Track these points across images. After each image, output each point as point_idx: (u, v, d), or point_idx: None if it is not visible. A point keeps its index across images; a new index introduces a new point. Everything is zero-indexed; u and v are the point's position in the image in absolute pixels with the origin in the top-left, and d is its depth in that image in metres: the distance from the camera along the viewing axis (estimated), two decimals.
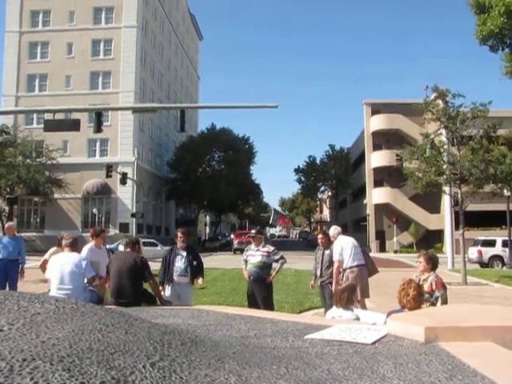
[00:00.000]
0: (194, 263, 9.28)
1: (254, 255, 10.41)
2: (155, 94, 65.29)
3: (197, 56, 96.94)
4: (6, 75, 58.58)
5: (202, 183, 62.80)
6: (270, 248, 10.61)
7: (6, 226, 14.38)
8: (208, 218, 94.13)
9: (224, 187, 62.45)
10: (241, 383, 2.19)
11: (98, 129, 23.60)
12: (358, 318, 6.23)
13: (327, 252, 10.68)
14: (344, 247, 10.18)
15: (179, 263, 9.20)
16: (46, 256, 10.01)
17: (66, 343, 2.08)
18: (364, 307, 9.37)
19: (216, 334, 3.82)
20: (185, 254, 9.29)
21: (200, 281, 9.33)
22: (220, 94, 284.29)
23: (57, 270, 7.35)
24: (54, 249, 10.25)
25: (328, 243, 10.66)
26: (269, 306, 10.01)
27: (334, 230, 10.75)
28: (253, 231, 11.42)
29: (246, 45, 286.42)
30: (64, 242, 7.85)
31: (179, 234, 9.52)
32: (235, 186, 64.04)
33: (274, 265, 10.53)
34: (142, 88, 60.05)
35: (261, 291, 10.26)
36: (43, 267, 9.83)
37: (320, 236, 10.98)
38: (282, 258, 10.52)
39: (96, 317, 2.64)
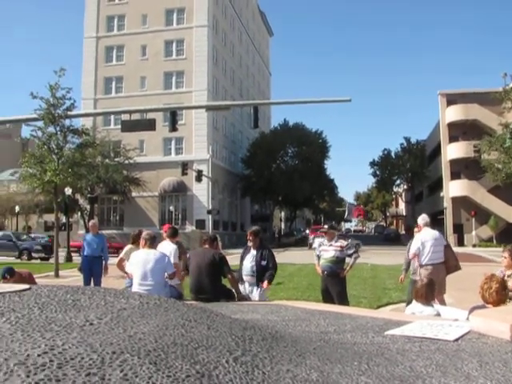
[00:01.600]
0: (263, 263, 9.01)
1: (327, 250, 10.30)
2: (228, 91, 65.86)
3: (267, 52, 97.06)
4: (85, 79, 60.55)
5: (276, 179, 62.86)
6: (343, 242, 10.44)
7: (90, 223, 14.97)
8: (283, 213, 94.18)
9: (298, 182, 62.27)
10: (322, 379, 2.18)
11: (173, 128, 24.00)
12: (438, 314, 6.08)
13: None
14: (424, 243, 9.94)
15: (247, 262, 9.09)
16: (122, 255, 10.26)
17: (151, 338, 2.14)
18: (443, 303, 9.13)
19: (295, 330, 3.82)
20: (255, 253, 9.12)
21: (264, 285, 8.91)
22: (291, 89, 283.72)
23: (138, 266, 7.54)
24: (129, 247, 10.46)
25: None
26: (343, 300, 9.89)
27: (421, 219, 10.48)
28: (325, 226, 11.32)
29: (316, 40, 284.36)
30: (144, 239, 8.02)
31: (248, 234, 9.35)
32: (309, 181, 63.74)
33: (348, 259, 10.41)
34: (214, 86, 60.70)
35: (335, 286, 10.16)
36: (120, 265, 10.13)
37: (416, 230, 10.73)
38: (355, 252, 10.40)
39: (179, 312, 2.70)
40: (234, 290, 8.56)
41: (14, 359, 1.75)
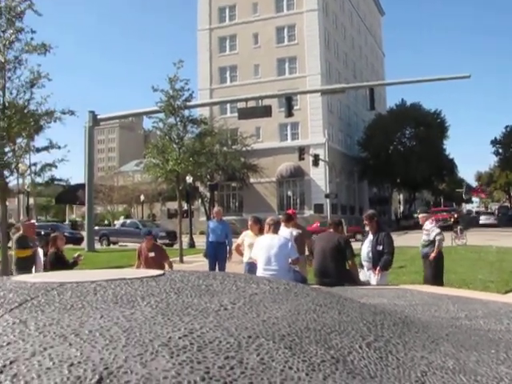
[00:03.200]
0: (378, 248, 8.72)
1: (422, 234, 10.56)
2: (341, 74, 65.12)
3: (380, 32, 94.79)
4: (201, 70, 62.11)
5: (393, 161, 61.53)
6: (428, 225, 10.49)
7: (215, 210, 15.44)
8: (402, 195, 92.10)
9: (416, 164, 60.56)
10: (459, 367, 2.10)
11: (289, 113, 24.13)
12: None
13: None
14: None
15: (364, 247, 8.93)
16: (239, 240, 10.46)
17: (284, 322, 2.15)
18: None
19: (425, 315, 3.71)
20: (371, 238, 8.91)
21: (376, 271, 8.58)
22: (406, 68, 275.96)
23: (263, 251, 7.64)
24: (246, 232, 10.64)
25: None
26: (436, 283, 9.64)
27: None
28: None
29: (428, 17, 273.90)
30: (268, 224, 8.11)
31: (364, 218, 9.24)
32: (428, 162, 61.78)
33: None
34: (327, 69, 60.21)
35: (426, 269, 10.31)
36: (238, 250, 10.41)
37: None
38: (438, 234, 10.25)
39: (309, 297, 2.70)
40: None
41: (158, 341, 1.83)
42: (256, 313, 2.23)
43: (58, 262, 9.55)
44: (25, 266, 10.29)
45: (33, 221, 14.55)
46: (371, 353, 2.05)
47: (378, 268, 8.64)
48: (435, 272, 10.15)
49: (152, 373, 1.63)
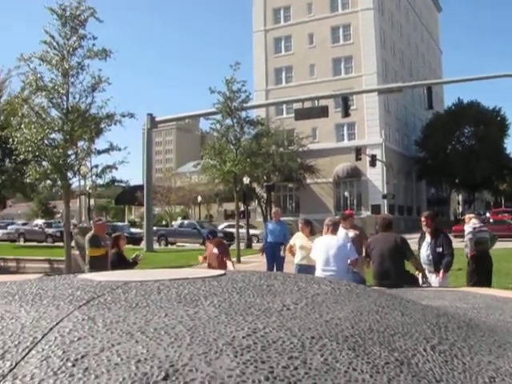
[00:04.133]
0: (438, 250, 8.56)
1: None
2: (398, 73, 64.24)
3: (437, 29, 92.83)
4: (256, 71, 62.39)
5: (452, 161, 60.26)
6: (466, 227, 10.53)
7: (273, 210, 15.59)
8: (461, 196, 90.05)
9: (475, 163, 59.14)
10: None
11: (346, 113, 24.00)
12: None
13: None
14: None
15: (423, 250, 8.76)
16: (291, 242, 10.54)
17: (347, 323, 2.13)
18: None
19: (489, 318, 3.61)
20: (429, 240, 8.74)
21: (441, 274, 8.39)
22: (464, 66, 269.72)
23: (322, 252, 7.62)
24: (297, 234, 10.62)
25: None
26: (474, 282, 9.51)
27: None
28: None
29: (488, 13, 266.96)
30: (327, 225, 8.09)
31: (422, 218, 9.04)
32: (488, 161, 60.20)
33: None
34: (384, 69, 59.51)
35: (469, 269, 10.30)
36: (290, 251, 10.47)
37: None
38: (468, 233, 10.31)
39: (371, 298, 2.67)
40: (419, 274, 8.35)
41: (222, 340, 1.84)
42: (319, 313, 2.23)
43: (120, 262, 9.77)
44: (98, 264, 10.63)
45: (101, 219, 15.03)
46: (436, 356, 2.01)
47: (441, 270, 8.47)
48: (473, 272, 10.08)
49: (217, 371, 1.64)
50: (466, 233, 10.42)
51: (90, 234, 11.52)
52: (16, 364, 1.74)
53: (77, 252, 20.11)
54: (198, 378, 1.62)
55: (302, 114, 26.23)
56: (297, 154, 52.77)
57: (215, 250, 9.96)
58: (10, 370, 1.70)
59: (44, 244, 41.99)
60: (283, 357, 1.75)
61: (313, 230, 10.59)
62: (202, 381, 1.60)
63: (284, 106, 57.73)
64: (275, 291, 2.56)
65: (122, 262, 9.82)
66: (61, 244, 36.57)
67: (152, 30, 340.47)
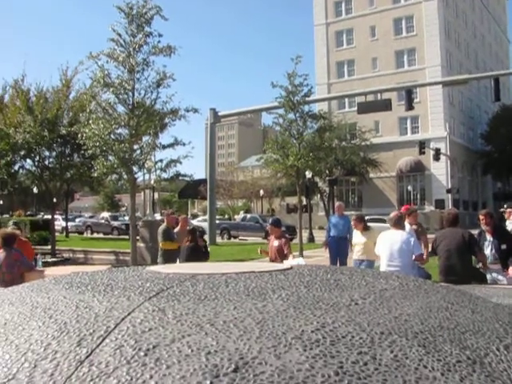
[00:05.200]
0: (503, 247, 8.27)
1: None
2: (463, 64, 62.59)
3: (505, 18, 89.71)
4: (318, 65, 62.05)
5: None
6: (508, 222, 10.10)
7: (336, 205, 15.52)
8: None
9: None
10: None
11: (410, 106, 23.59)
12: None
13: None
14: None
15: (486, 250, 8.39)
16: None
17: (416, 320, 2.10)
18: None
19: None
20: (490, 238, 8.45)
21: (510, 271, 8.06)
22: None
23: (386, 246, 7.53)
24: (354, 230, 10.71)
25: None
26: None
27: None
28: None
29: None
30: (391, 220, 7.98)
31: (480, 217, 8.74)
32: None
33: None
34: (448, 60, 58.09)
35: None
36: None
37: None
38: None
39: (439, 294, 2.61)
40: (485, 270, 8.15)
41: (291, 334, 1.84)
42: (387, 309, 2.20)
43: (194, 255, 9.90)
44: (171, 257, 10.92)
45: (173, 212, 15.43)
46: (510, 356, 1.96)
47: (510, 268, 8.13)
48: None
49: (286, 365, 1.64)
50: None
51: (163, 227, 11.83)
52: (92, 351, 1.79)
53: (142, 244, 20.57)
54: (267, 371, 1.62)
55: (364, 108, 25.94)
56: (359, 147, 52.29)
57: (276, 243, 9.95)
58: (87, 357, 1.76)
59: (110, 236, 43.14)
60: (352, 352, 1.74)
61: (366, 226, 10.54)
62: (272, 374, 1.61)
63: (346, 100, 57.22)
64: (343, 286, 2.54)
65: (196, 255, 9.99)
66: (126, 237, 37.52)
67: (215, 25, 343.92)
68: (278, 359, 1.67)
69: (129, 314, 2.04)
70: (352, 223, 10.81)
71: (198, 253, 10.33)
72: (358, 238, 10.42)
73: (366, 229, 10.42)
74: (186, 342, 1.78)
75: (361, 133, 53.41)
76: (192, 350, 1.73)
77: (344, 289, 2.46)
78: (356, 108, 29.10)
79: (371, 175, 55.12)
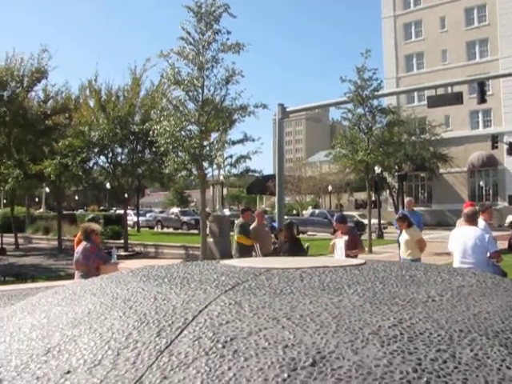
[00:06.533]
0: None
1: None
2: None
3: None
4: (386, 59, 61.01)
5: None
6: None
7: (407, 200, 15.33)
8: None
9: None
10: None
11: (482, 99, 22.84)
12: None
13: None
14: None
15: None
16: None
17: (496, 318, 2.05)
18: None
19: None
20: None
21: None
22: None
23: (459, 243, 7.36)
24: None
25: None
26: None
27: None
28: None
29: None
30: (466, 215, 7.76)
31: None
32: None
33: None
34: None
35: None
36: None
37: None
38: None
39: None
40: None
41: (368, 329, 1.84)
42: (465, 306, 2.16)
43: (292, 250, 9.93)
44: (245, 250, 11.08)
45: (249, 208, 15.76)
46: None
47: None
48: None
49: (363, 360, 1.64)
50: None
51: (240, 221, 12.04)
52: (171, 342, 1.85)
53: (211, 239, 20.83)
54: (344, 366, 1.63)
55: (434, 102, 25.23)
56: (429, 142, 51.15)
57: (344, 238, 9.84)
58: (166, 347, 1.81)
59: (179, 231, 43.87)
60: (431, 349, 1.72)
61: (410, 224, 10.40)
62: (349, 369, 1.61)
63: (415, 94, 55.98)
64: (418, 282, 2.51)
65: (296, 249, 10.03)
66: (195, 231, 38.10)
67: (282, 19, 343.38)
68: (355, 354, 1.67)
69: (206, 307, 2.08)
70: (397, 224, 10.73)
71: (296, 248, 10.31)
72: (402, 236, 10.39)
73: (409, 226, 10.32)
74: (263, 335, 1.81)
75: (431, 127, 52.22)
76: (269, 343, 1.76)
77: (420, 285, 2.43)
78: (426, 102, 28.44)
79: (441, 170, 53.83)
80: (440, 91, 27.92)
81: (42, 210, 56.35)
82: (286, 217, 37.99)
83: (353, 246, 9.56)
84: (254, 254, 11.51)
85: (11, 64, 22.89)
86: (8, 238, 32.45)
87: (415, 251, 10.08)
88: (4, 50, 27.67)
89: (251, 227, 12.08)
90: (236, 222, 12.70)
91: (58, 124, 26.45)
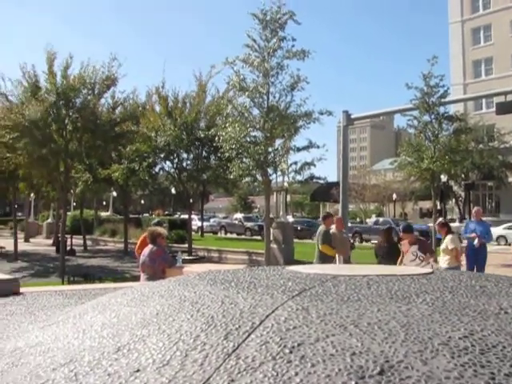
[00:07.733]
0: None
1: None
2: None
3: None
4: (453, 65, 59.69)
5: None
6: None
7: (475, 209, 14.96)
8: None
9: None
10: None
11: None
12: None
13: None
14: None
15: None
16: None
17: None
18: None
19: None
20: None
21: None
22: None
23: None
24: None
25: None
26: None
27: None
28: None
29: None
30: None
31: None
32: None
33: None
34: None
35: None
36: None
37: None
38: None
39: None
40: None
41: (437, 339, 1.81)
42: None
43: (392, 254, 9.88)
44: (329, 261, 11.00)
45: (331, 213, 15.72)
46: None
47: None
48: None
49: (433, 371, 1.61)
50: None
51: (323, 229, 11.80)
52: (238, 346, 1.86)
53: (275, 245, 20.84)
54: (413, 376, 1.60)
55: (504, 108, 24.45)
56: (497, 150, 49.66)
57: (413, 248, 9.67)
58: (234, 351, 1.83)
59: (243, 237, 44.11)
60: (505, 363, 1.67)
61: (449, 231, 10.13)
62: (418, 379, 1.59)
63: (483, 100, 54.50)
64: (489, 293, 2.45)
65: (395, 253, 9.97)
66: (258, 237, 38.23)
67: (346, 25, 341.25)
68: (424, 365, 1.65)
69: (273, 312, 2.09)
70: (437, 230, 10.52)
71: (394, 252, 10.21)
72: (443, 245, 10.38)
73: (447, 233, 10.11)
74: (331, 342, 1.80)
75: (499, 135, 50.71)
76: (337, 350, 1.75)
77: (491, 296, 2.37)
78: (494, 108, 27.67)
79: (510, 179, 52.18)
80: (510, 97, 27.13)
81: (109, 213, 57.77)
82: (349, 224, 37.76)
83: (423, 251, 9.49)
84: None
85: (84, 72, 23.64)
86: (77, 240, 33.44)
87: (452, 260, 9.92)
88: (86, 57, 28.46)
89: (331, 231, 11.85)
90: (319, 229, 12.43)
91: (126, 130, 27.13)
